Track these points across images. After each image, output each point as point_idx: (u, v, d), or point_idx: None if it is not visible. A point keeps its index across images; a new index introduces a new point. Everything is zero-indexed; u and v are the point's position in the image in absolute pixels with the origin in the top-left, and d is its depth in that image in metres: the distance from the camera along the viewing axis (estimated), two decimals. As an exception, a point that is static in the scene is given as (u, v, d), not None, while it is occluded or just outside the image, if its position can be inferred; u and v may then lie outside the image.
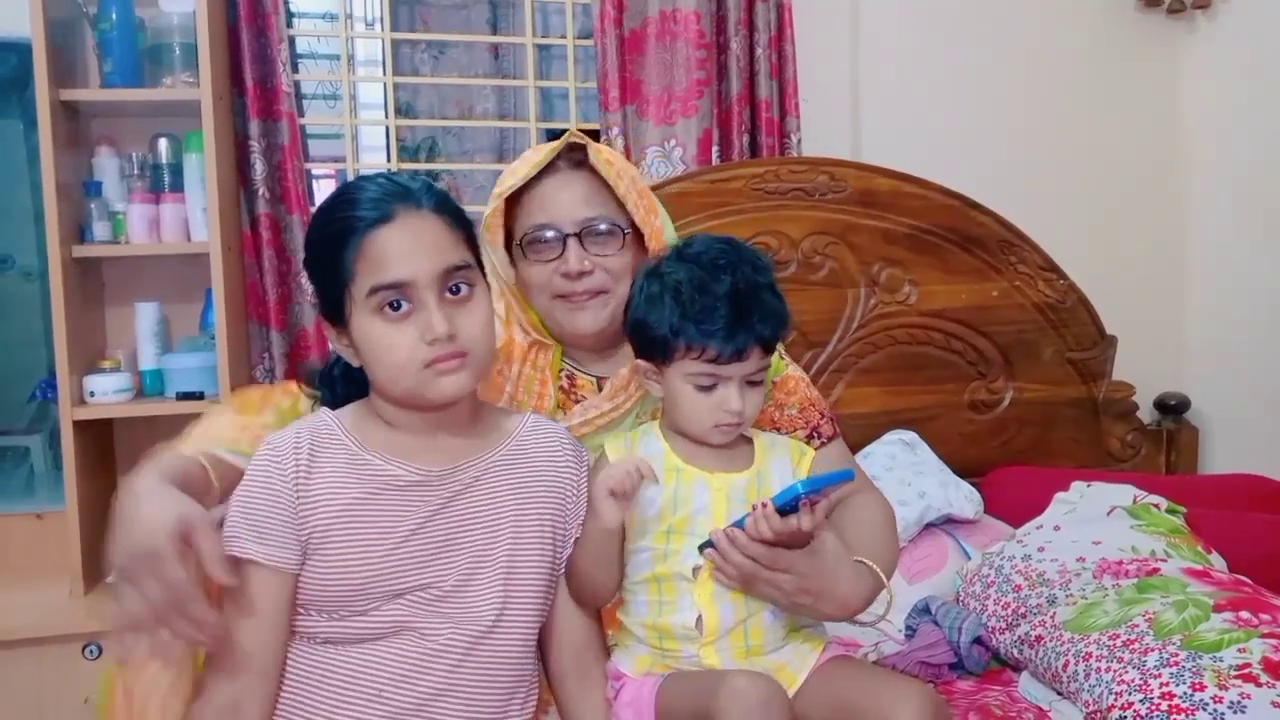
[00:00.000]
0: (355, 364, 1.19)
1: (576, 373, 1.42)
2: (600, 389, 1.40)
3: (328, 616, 1.15)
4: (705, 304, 1.19)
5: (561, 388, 1.42)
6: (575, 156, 1.36)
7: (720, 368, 1.20)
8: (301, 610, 1.15)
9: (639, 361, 1.28)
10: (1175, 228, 2.79)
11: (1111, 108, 2.74)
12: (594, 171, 1.35)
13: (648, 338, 1.24)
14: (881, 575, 1.25)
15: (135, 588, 1.02)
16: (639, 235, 1.37)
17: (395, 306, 1.12)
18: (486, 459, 1.22)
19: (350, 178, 2.48)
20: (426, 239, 1.14)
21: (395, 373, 1.14)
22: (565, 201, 1.34)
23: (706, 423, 1.23)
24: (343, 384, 1.26)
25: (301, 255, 2.27)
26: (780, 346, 1.37)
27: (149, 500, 1.06)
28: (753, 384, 1.24)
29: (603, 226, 1.34)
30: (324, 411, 1.23)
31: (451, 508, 1.18)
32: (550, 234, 1.33)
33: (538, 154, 1.35)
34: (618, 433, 1.34)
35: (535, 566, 1.22)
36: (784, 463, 1.29)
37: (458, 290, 1.15)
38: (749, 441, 1.30)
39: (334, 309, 1.17)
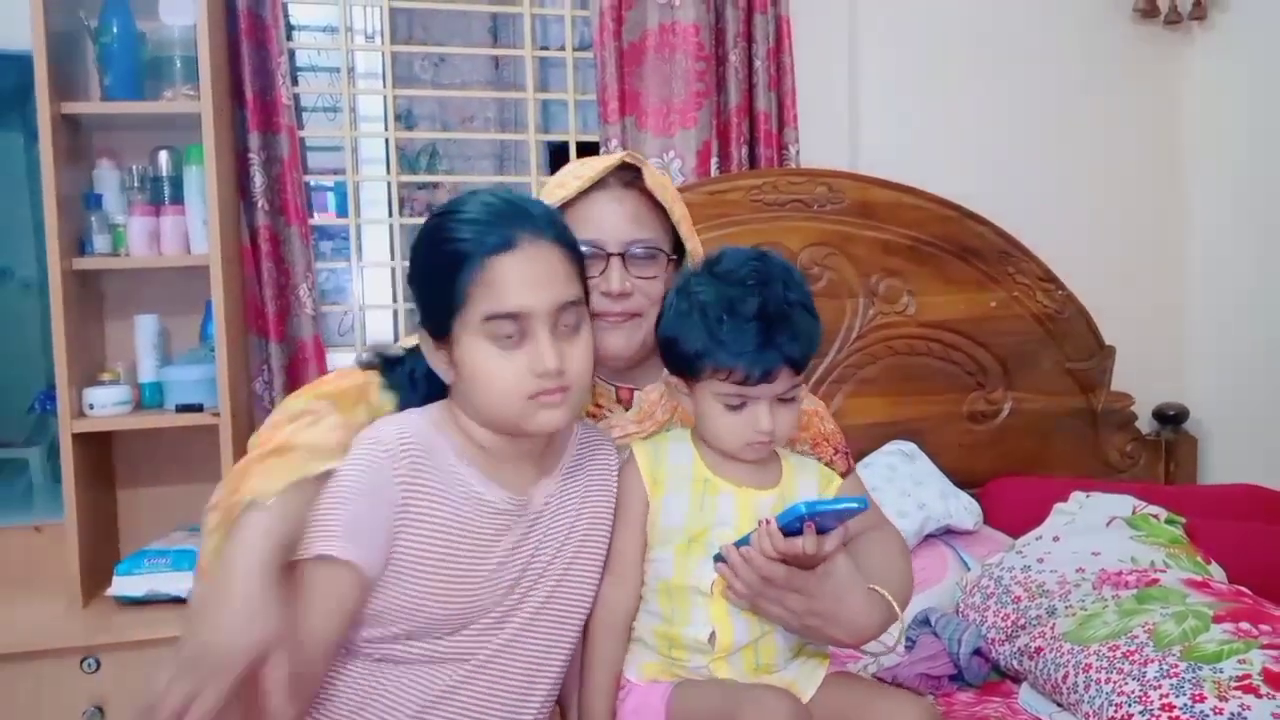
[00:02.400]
0: (448, 379, 1.16)
1: (597, 382, 1.41)
2: (618, 398, 1.40)
3: (405, 638, 1.12)
4: (733, 325, 1.17)
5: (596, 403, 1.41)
6: (624, 176, 1.35)
7: (748, 389, 1.19)
8: (370, 627, 1.12)
9: (670, 377, 1.28)
10: (1173, 238, 2.80)
11: (1109, 119, 2.75)
12: (642, 192, 1.34)
13: (677, 355, 1.23)
14: (895, 605, 1.23)
15: (190, 681, 0.98)
16: (679, 263, 1.38)
17: (507, 335, 1.11)
18: (552, 479, 1.22)
19: (350, 190, 2.49)
20: (546, 271, 1.12)
21: (498, 399, 1.12)
22: (614, 219, 1.33)
23: (737, 441, 1.22)
24: (425, 386, 1.22)
25: (300, 267, 2.29)
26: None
27: (241, 603, 1.00)
28: (785, 401, 1.22)
29: (648, 249, 1.33)
30: (417, 413, 1.19)
31: (531, 535, 1.18)
32: (598, 251, 1.31)
33: (589, 169, 1.34)
34: (645, 439, 1.33)
35: (590, 582, 1.23)
36: (810, 486, 1.28)
37: (568, 325, 1.14)
38: (778, 458, 1.30)
39: (438, 324, 1.15)
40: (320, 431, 1.14)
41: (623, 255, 1.32)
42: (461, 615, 1.13)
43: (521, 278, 1.11)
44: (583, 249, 1.27)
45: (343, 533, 1.07)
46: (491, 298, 1.10)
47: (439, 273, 1.12)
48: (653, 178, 1.34)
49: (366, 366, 1.26)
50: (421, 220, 1.33)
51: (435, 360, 1.17)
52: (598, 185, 1.33)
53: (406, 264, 1.23)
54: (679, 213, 1.36)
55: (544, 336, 1.11)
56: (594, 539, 1.24)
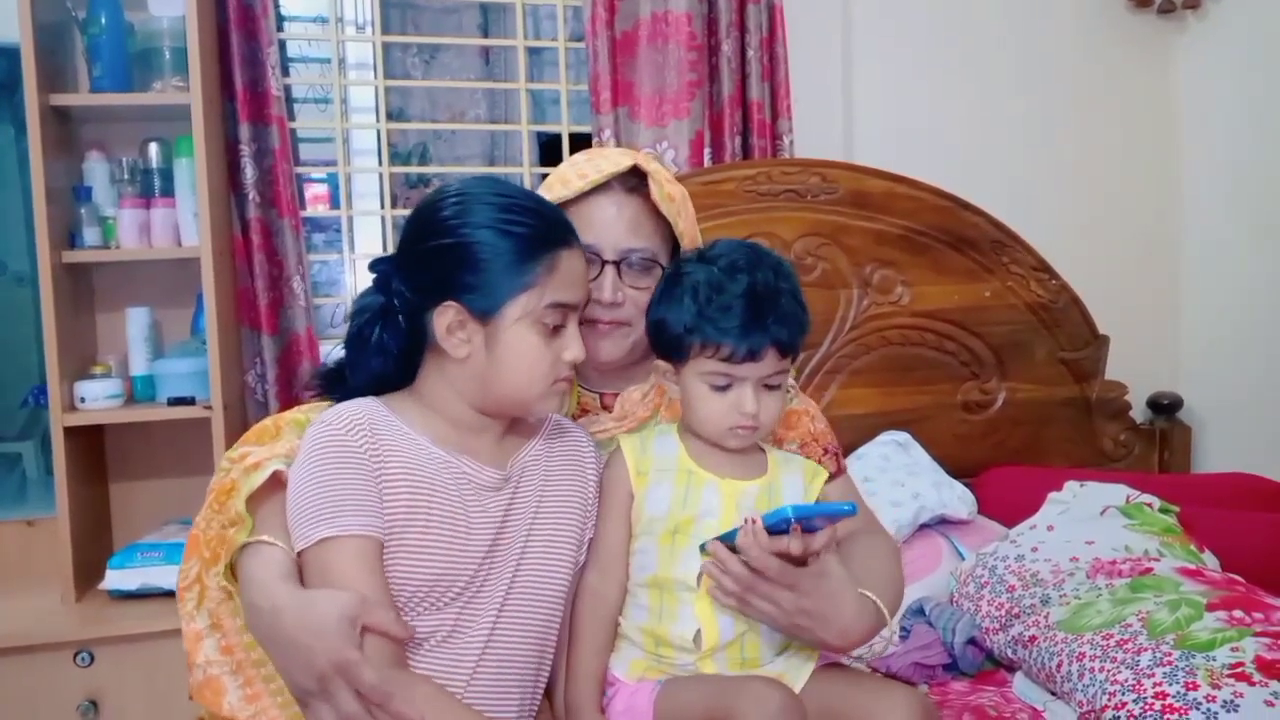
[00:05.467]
0: (459, 355, 1.16)
1: (581, 390, 1.40)
2: (603, 404, 1.38)
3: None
4: (721, 303, 1.19)
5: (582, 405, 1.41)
6: (629, 181, 1.32)
7: (735, 368, 1.20)
8: None
9: (658, 361, 1.28)
10: (1167, 227, 2.80)
11: (1103, 107, 2.75)
12: (645, 200, 1.31)
13: (665, 336, 1.24)
14: (885, 612, 1.22)
15: (329, 702, 1.01)
16: None
17: (555, 324, 1.17)
18: (522, 458, 1.23)
19: (342, 182, 2.48)
20: (585, 270, 1.23)
21: (528, 381, 1.17)
22: (613, 225, 1.30)
23: (722, 425, 1.22)
24: (372, 386, 1.22)
25: (292, 260, 2.28)
26: (791, 378, 1.34)
27: (300, 613, 1.03)
28: (770, 388, 1.23)
29: (643, 260, 1.31)
30: (366, 399, 1.19)
31: (500, 502, 1.19)
32: (592, 256, 1.28)
33: (595, 169, 1.30)
34: (631, 432, 1.33)
35: (562, 568, 1.23)
36: (796, 479, 1.28)
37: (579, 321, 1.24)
38: (763, 452, 1.30)
39: (490, 304, 1.15)
40: (254, 459, 1.16)
41: (618, 264, 1.30)
42: (441, 580, 1.13)
43: (581, 273, 1.21)
44: None
45: (333, 510, 1.08)
46: (562, 288, 1.16)
47: (509, 254, 1.14)
48: (660, 189, 1.30)
49: (318, 392, 1.27)
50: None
51: (451, 338, 1.16)
52: (600, 187, 1.30)
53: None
54: (683, 225, 1.34)
55: (576, 329, 1.20)
56: (563, 510, 1.24)
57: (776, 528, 1.12)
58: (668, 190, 1.32)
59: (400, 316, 1.19)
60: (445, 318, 1.16)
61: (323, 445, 1.12)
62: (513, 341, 1.15)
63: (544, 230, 1.16)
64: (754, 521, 1.13)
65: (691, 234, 1.36)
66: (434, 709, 1.05)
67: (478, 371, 1.17)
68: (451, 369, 1.18)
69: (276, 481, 1.14)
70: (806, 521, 1.13)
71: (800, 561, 1.15)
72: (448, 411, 1.20)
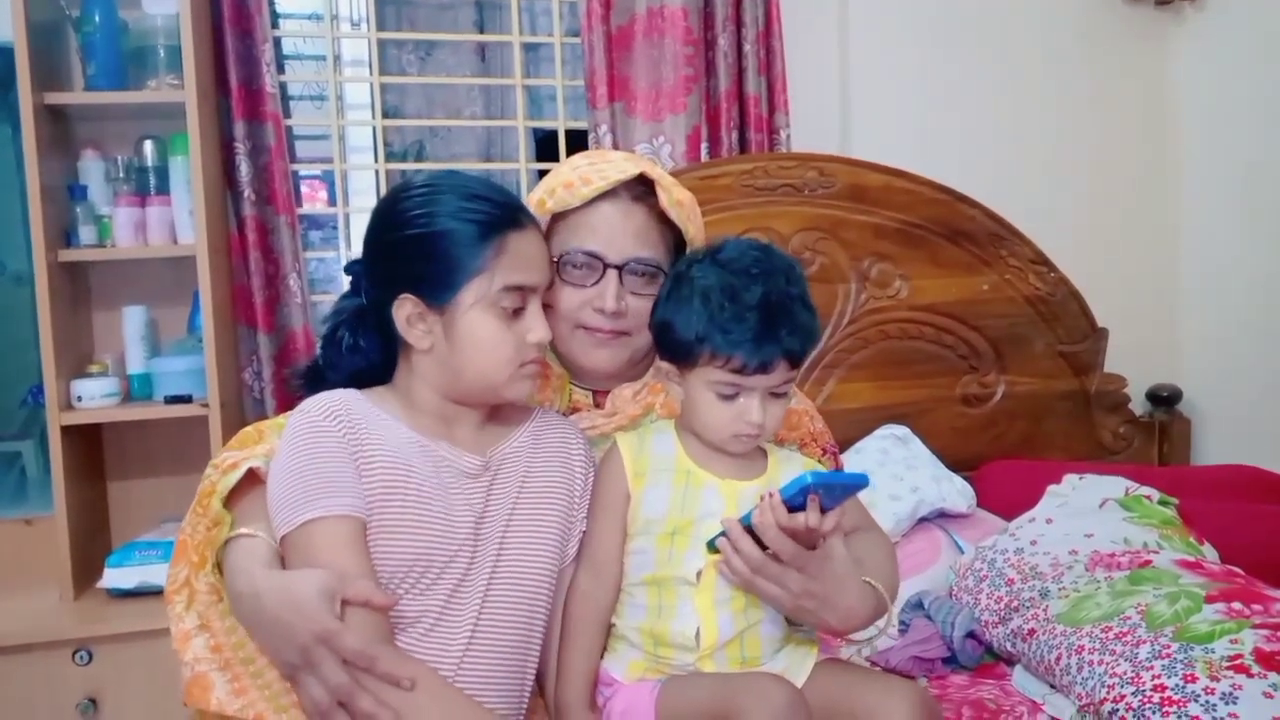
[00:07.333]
0: (423, 346, 1.17)
1: (574, 388, 1.39)
2: (595, 402, 1.37)
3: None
4: (734, 312, 1.15)
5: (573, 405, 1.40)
6: (635, 189, 1.29)
7: (744, 379, 1.17)
8: None
9: (661, 363, 1.25)
10: (1165, 220, 2.79)
11: (1100, 100, 2.74)
12: (651, 209, 1.29)
13: (672, 340, 1.21)
14: (886, 598, 1.23)
15: (315, 674, 1.02)
16: None
17: (513, 307, 1.17)
18: (503, 449, 1.23)
19: (338, 179, 2.48)
20: (543, 252, 1.22)
21: (492, 366, 1.17)
22: (620, 232, 1.28)
23: (725, 432, 1.20)
24: (349, 380, 1.24)
25: (288, 257, 2.28)
26: None
27: (280, 593, 1.04)
28: (776, 396, 1.20)
29: (648, 269, 1.28)
30: (347, 390, 1.21)
31: (479, 489, 1.19)
32: (595, 261, 1.27)
33: (601, 176, 1.28)
34: (628, 430, 1.31)
35: (544, 560, 1.22)
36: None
37: (545, 304, 1.24)
38: (763, 451, 1.28)
39: (441, 292, 1.15)
40: (232, 461, 1.17)
41: (620, 268, 1.27)
42: (420, 560, 1.13)
43: (538, 253, 1.20)
44: (581, 259, 1.28)
45: (315, 494, 1.09)
46: (514, 270, 1.16)
47: (456, 241, 1.15)
48: (669, 195, 1.28)
49: (299, 387, 1.28)
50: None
51: (413, 329, 1.17)
52: (605, 193, 1.28)
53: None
54: (693, 231, 1.32)
55: (538, 310, 1.19)
56: (545, 501, 1.24)
57: (794, 500, 1.11)
58: (676, 196, 1.30)
59: (373, 314, 1.20)
60: (403, 310, 1.17)
61: (300, 433, 1.14)
62: (470, 328, 1.16)
63: (493, 214, 1.16)
64: (772, 495, 1.12)
65: (701, 240, 1.34)
66: (423, 684, 1.05)
67: (443, 361, 1.18)
68: (419, 361, 1.19)
69: (256, 478, 1.16)
70: (824, 491, 1.12)
71: (812, 540, 1.14)
72: (423, 404, 1.20)
